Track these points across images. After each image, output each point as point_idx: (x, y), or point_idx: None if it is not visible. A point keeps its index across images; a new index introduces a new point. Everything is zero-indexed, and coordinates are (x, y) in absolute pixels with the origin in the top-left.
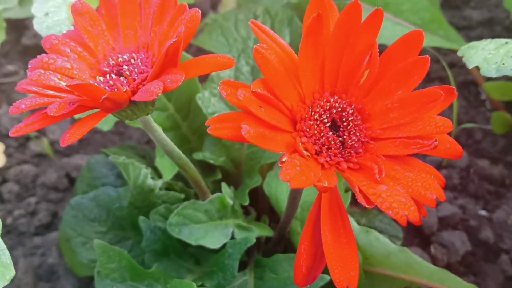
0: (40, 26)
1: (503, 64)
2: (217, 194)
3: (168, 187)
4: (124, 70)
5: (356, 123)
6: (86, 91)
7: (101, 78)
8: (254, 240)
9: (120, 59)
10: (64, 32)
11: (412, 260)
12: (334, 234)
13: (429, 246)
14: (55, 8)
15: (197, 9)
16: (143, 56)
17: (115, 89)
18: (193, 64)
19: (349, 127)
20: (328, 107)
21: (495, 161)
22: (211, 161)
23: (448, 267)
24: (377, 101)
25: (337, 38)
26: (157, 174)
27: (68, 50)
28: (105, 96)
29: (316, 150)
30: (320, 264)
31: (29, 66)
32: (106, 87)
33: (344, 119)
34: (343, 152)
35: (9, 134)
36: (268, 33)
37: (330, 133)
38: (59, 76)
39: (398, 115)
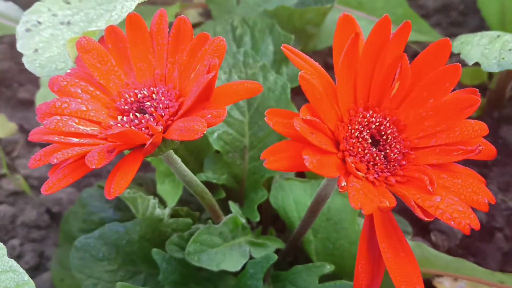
0: (32, 64)
1: (503, 58)
2: (230, 215)
3: (174, 214)
4: (146, 106)
5: (394, 135)
6: (126, 138)
7: (124, 118)
8: (276, 257)
9: (139, 95)
10: (60, 69)
11: (428, 253)
12: (393, 250)
13: (429, 234)
14: (43, 44)
15: (222, 38)
16: (163, 89)
17: (144, 129)
18: (222, 93)
19: (388, 140)
20: (366, 122)
21: None
22: (214, 181)
23: (449, 251)
24: (410, 111)
25: (368, 54)
26: (160, 200)
27: (79, 91)
28: (150, 141)
29: (357, 165)
30: (378, 280)
31: (38, 113)
32: (132, 127)
33: (382, 133)
34: (388, 167)
35: (43, 192)
36: (301, 56)
37: (374, 149)
38: (76, 121)
39: (434, 122)
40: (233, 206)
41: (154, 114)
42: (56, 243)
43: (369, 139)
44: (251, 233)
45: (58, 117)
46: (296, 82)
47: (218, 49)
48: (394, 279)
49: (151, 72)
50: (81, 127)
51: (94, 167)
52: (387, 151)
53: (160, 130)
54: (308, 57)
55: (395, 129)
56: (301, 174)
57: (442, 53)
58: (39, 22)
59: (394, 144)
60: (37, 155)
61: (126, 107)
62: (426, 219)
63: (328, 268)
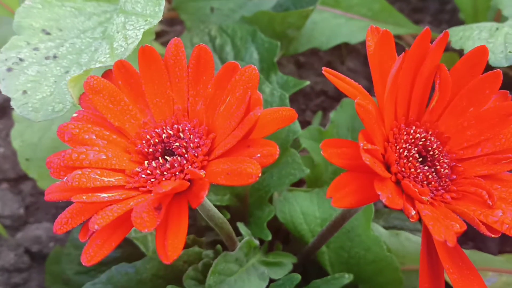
0: (24, 109)
1: (510, 52)
2: (245, 239)
3: None
4: (174, 147)
5: (440, 149)
6: (177, 190)
7: (153, 163)
8: (299, 277)
9: (164, 135)
10: (58, 110)
11: None
12: (458, 270)
13: None
14: (32, 84)
15: (254, 66)
16: (189, 126)
17: (178, 173)
18: (259, 126)
19: (436, 155)
20: (412, 140)
21: None
22: (218, 203)
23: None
24: (450, 121)
25: (408, 68)
26: None
27: (94, 137)
28: (205, 193)
29: (420, 189)
30: None
31: (50, 167)
32: (165, 173)
33: (429, 148)
34: (441, 183)
35: (84, 264)
36: (344, 79)
37: (425, 167)
38: (98, 172)
39: (477, 132)
40: (242, 228)
41: (186, 155)
42: (41, 285)
43: (418, 157)
44: (259, 252)
45: (80, 172)
46: (287, 90)
47: (251, 79)
48: None
49: (170, 107)
50: (106, 179)
51: (147, 230)
52: (437, 167)
53: (203, 175)
54: (350, 79)
55: (439, 143)
56: (297, 184)
57: (479, 60)
58: (20, 59)
59: (442, 159)
60: (63, 219)
61: (150, 149)
62: (492, 236)
63: (347, 278)
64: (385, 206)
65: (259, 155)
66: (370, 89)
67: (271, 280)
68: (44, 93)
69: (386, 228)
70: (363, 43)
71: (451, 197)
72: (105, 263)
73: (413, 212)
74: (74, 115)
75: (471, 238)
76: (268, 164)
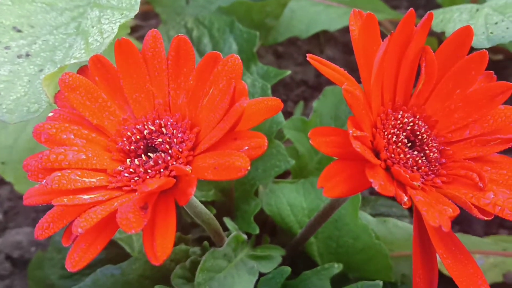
0: (1, 113)
1: (492, 33)
2: (232, 234)
3: None
4: (157, 143)
5: (428, 133)
6: (163, 188)
7: (136, 161)
8: (289, 270)
9: (145, 131)
10: (33, 111)
11: None
12: (452, 255)
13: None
14: (4, 84)
15: (236, 56)
16: (171, 120)
17: (163, 170)
18: (244, 117)
19: (424, 140)
20: (400, 125)
21: None
22: (203, 199)
23: None
24: (437, 104)
25: (393, 52)
26: None
27: (72, 137)
28: (194, 190)
29: (411, 175)
30: (435, 285)
31: (27, 170)
32: (149, 170)
33: (417, 133)
34: (431, 168)
35: (69, 269)
36: (330, 65)
37: (415, 152)
38: (79, 173)
39: (464, 114)
40: (229, 223)
41: (170, 151)
42: None
43: (407, 142)
44: (247, 246)
45: (59, 173)
46: (268, 81)
47: (234, 69)
48: (460, 284)
49: (150, 102)
50: (87, 180)
51: (133, 231)
52: (426, 151)
53: (189, 171)
54: (335, 65)
55: (426, 127)
56: (282, 175)
57: (464, 42)
58: None
59: (430, 143)
60: (44, 223)
61: (132, 147)
62: (485, 218)
63: (337, 267)
64: (372, 194)
65: (247, 147)
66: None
67: (261, 274)
68: (18, 93)
69: (373, 215)
70: (341, 31)
71: (441, 181)
72: (90, 266)
73: (406, 199)
74: (50, 114)
75: (457, 221)
76: (256, 156)
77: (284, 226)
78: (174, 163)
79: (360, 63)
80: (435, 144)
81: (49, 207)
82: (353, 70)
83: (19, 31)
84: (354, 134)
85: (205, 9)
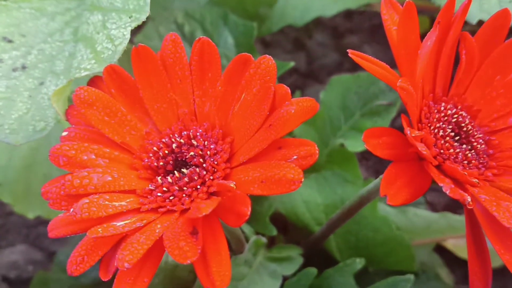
0: (4, 134)
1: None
2: (252, 239)
3: None
4: (188, 157)
5: (472, 124)
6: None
7: (169, 178)
8: (315, 271)
9: (174, 145)
10: (40, 129)
11: (454, 221)
12: (508, 250)
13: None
14: (3, 102)
15: (269, 57)
16: (200, 131)
17: (199, 186)
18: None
19: (469, 132)
20: (445, 118)
21: None
22: None
23: (446, 207)
24: (478, 93)
25: (437, 40)
26: None
27: (94, 157)
28: (249, 209)
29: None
30: (490, 280)
31: (47, 198)
32: (184, 188)
33: (462, 125)
34: (480, 161)
35: None
36: (375, 61)
37: (463, 145)
38: (107, 197)
39: (506, 100)
40: (246, 227)
41: (204, 164)
42: None
43: (454, 135)
44: (263, 248)
45: (87, 200)
46: None
47: (268, 72)
48: None
49: (174, 112)
50: (117, 204)
51: (189, 261)
52: (474, 143)
53: (234, 186)
54: (377, 60)
55: (469, 117)
56: None
57: (502, 25)
58: None
59: (476, 134)
60: (77, 257)
61: (160, 163)
62: None
63: (359, 262)
64: None
65: (295, 156)
66: (341, 63)
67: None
68: (20, 111)
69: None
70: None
71: (492, 174)
72: (98, 283)
73: (469, 199)
74: (64, 133)
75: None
76: (307, 166)
77: (300, 224)
78: (211, 177)
79: (400, 54)
80: (480, 135)
81: (44, 221)
82: (343, 55)
83: (10, 41)
84: (413, 135)
85: (193, 1)
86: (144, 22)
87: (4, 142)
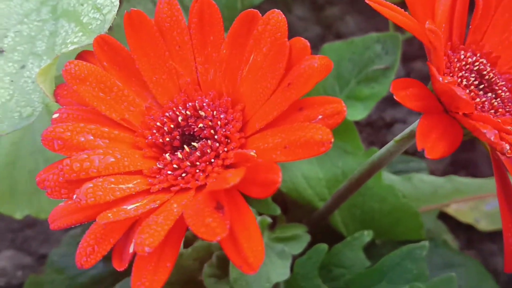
0: None
1: None
2: (258, 219)
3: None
4: (197, 130)
5: (493, 71)
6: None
7: (178, 154)
8: (326, 247)
9: (180, 118)
10: (28, 116)
11: (460, 184)
12: None
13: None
14: None
15: (278, 11)
16: (207, 101)
17: (213, 160)
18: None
19: (492, 79)
20: (466, 66)
21: (425, 58)
22: None
23: (444, 172)
24: (495, 38)
25: None
26: None
27: (91, 138)
28: (279, 176)
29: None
30: None
31: (43, 187)
32: (197, 163)
33: (483, 73)
34: (507, 109)
35: None
36: (391, 6)
37: (489, 94)
38: (112, 180)
39: None
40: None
41: (216, 136)
42: None
43: (478, 84)
44: (266, 229)
45: (91, 184)
46: None
47: (278, 27)
48: None
49: (174, 83)
50: (124, 186)
51: (219, 237)
52: (498, 91)
53: (254, 155)
54: (396, 7)
55: (489, 64)
56: None
57: None
58: None
59: (498, 81)
60: (86, 248)
61: (167, 139)
62: None
63: (367, 235)
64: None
65: (320, 116)
66: (324, 36)
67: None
68: (2, 97)
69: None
70: None
71: None
72: (98, 281)
73: (508, 146)
74: (55, 115)
75: (463, 165)
76: (335, 125)
77: (302, 201)
78: (225, 149)
79: (414, 1)
80: (503, 83)
81: (30, 224)
82: (327, 27)
83: None
84: (446, 81)
85: None
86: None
87: None
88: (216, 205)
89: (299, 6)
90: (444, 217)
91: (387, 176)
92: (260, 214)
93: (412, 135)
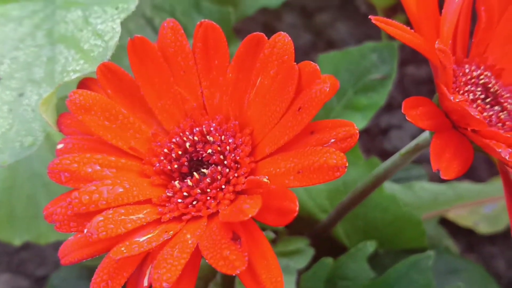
0: None
1: None
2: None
3: None
4: (206, 156)
5: (498, 84)
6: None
7: (188, 181)
8: (331, 261)
9: (187, 144)
10: (29, 145)
11: (461, 190)
12: None
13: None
14: None
15: (283, 33)
16: (214, 125)
17: (224, 186)
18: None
19: (497, 92)
20: (472, 80)
21: (417, 64)
22: None
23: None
24: (498, 51)
25: None
26: None
27: (98, 168)
28: (296, 203)
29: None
30: None
31: (51, 220)
32: (208, 189)
33: (488, 86)
34: None
35: None
36: (397, 25)
37: (496, 107)
38: (122, 211)
39: None
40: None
41: (225, 161)
42: None
43: (484, 97)
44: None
45: (101, 217)
46: None
47: (285, 50)
48: None
49: (180, 108)
50: (134, 217)
51: (239, 271)
52: (504, 104)
53: (267, 181)
54: (402, 25)
55: (494, 77)
56: None
57: None
58: None
59: (504, 94)
60: (99, 282)
61: (175, 166)
62: None
63: (370, 245)
64: None
65: (333, 140)
66: (315, 43)
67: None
68: (2, 127)
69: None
70: None
71: None
72: None
73: None
74: (59, 146)
75: None
76: (348, 149)
77: (303, 214)
78: (235, 174)
79: (419, 17)
80: (508, 95)
81: (25, 246)
82: (318, 33)
83: None
84: (457, 100)
85: None
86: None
87: None
88: (232, 236)
89: (288, 13)
90: (443, 222)
91: (388, 185)
92: (263, 229)
93: (417, 148)
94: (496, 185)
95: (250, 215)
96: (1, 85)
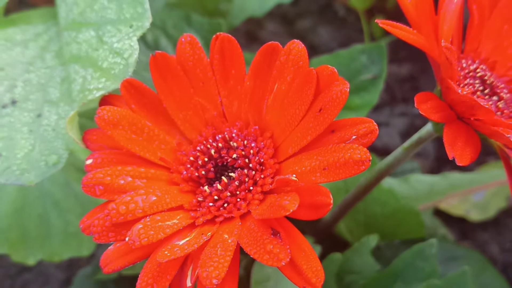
0: (9, 175)
1: None
2: None
3: None
4: (230, 161)
5: (493, 76)
6: None
7: (218, 186)
8: (340, 256)
9: (212, 150)
10: (54, 163)
11: (454, 180)
12: None
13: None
14: (2, 143)
15: (297, 40)
16: (235, 131)
17: (252, 187)
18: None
19: (493, 84)
20: (470, 74)
21: (399, 62)
22: None
23: (431, 170)
24: (490, 45)
25: None
26: None
27: (130, 179)
28: (331, 197)
29: None
30: None
31: (89, 232)
32: (237, 192)
33: (485, 78)
34: (511, 110)
35: None
36: (402, 27)
37: (494, 97)
38: (158, 218)
39: None
40: None
41: (250, 164)
42: None
43: (482, 89)
44: None
45: (140, 225)
46: None
47: (300, 57)
48: None
49: (200, 118)
50: (170, 223)
51: (283, 263)
52: (500, 94)
53: (295, 179)
54: (407, 27)
55: (488, 69)
56: None
57: None
58: None
59: (498, 84)
60: (145, 286)
61: (202, 172)
62: None
63: (373, 239)
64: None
65: (354, 136)
66: None
67: None
68: (25, 148)
69: None
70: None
71: None
72: None
73: None
74: (88, 161)
75: (447, 160)
76: (369, 144)
77: None
78: (262, 176)
79: (418, 19)
80: (502, 85)
81: (27, 267)
82: (300, 39)
83: None
84: (464, 93)
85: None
86: None
87: (16, 184)
88: (271, 232)
89: (270, 21)
90: (436, 212)
91: (385, 180)
92: None
93: (420, 141)
94: (486, 174)
95: (291, 210)
96: (18, 107)
